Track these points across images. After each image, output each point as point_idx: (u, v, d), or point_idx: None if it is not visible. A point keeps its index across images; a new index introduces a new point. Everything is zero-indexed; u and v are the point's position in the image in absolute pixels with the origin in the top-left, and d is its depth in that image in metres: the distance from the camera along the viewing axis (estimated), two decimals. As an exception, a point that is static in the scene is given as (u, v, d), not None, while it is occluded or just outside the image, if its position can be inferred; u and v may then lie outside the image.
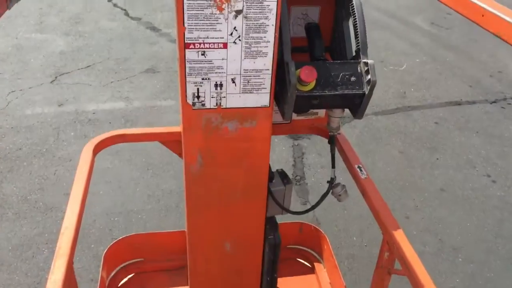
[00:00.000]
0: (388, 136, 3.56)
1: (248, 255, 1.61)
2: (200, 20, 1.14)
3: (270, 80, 1.27)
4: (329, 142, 1.49)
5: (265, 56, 1.23)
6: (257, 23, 1.18)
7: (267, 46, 1.21)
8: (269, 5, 1.15)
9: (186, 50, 1.18)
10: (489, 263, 2.56)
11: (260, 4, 1.14)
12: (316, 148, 3.37)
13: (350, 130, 3.59)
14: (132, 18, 5.15)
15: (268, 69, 1.25)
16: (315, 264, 2.10)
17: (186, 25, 1.14)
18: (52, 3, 5.39)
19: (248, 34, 1.19)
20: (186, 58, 1.19)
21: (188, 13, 1.13)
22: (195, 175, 1.38)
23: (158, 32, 4.84)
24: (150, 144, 2.10)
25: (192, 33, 1.16)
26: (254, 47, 1.21)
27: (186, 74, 1.22)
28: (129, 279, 1.97)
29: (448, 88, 4.18)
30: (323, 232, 2.09)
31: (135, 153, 3.21)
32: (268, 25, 1.18)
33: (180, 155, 1.62)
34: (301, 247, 2.16)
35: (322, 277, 2.03)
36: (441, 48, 4.82)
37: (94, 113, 3.67)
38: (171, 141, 1.63)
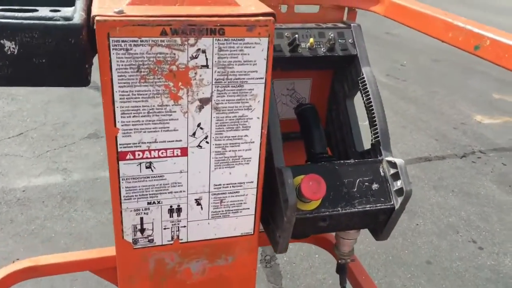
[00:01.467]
0: (362, 201, 3.16)
1: None
2: (142, 116, 0.67)
3: (255, 196, 0.80)
4: (337, 272, 1.02)
5: (247, 163, 0.77)
6: (235, 117, 0.72)
7: (250, 149, 0.75)
8: (252, 90, 0.70)
9: (121, 163, 0.70)
10: None
11: (238, 89, 0.69)
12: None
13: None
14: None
15: (251, 182, 0.78)
16: None
17: (119, 125, 0.66)
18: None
19: (221, 133, 0.73)
20: (120, 175, 0.71)
21: (122, 107, 0.66)
22: None
23: (103, 92, 4.32)
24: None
25: (130, 136, 0.68)
26: (230, 151, 0.75)
27: (122, 198, 0.73)
28: None
29: (415, 143, 3.91)
30: None
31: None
32: (251, 119, 0.73)
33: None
34: None
35: None
36: (401, 100, 4.60)
37: (24, 190, 3.04)
38: (105, 269, 1.11)
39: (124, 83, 0.65)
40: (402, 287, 2.58)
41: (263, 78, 0.71)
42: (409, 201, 2.59)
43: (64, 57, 0.62)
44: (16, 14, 0.67)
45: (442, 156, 3.80)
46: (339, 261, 0.99)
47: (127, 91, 0.66)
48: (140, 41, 0.64)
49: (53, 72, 0.63)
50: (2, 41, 0.59)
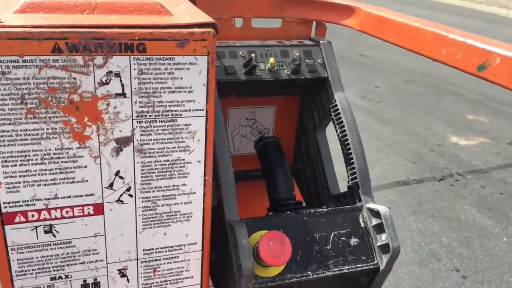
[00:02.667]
0: (340, 229, 2.98)
1: None
2: (34, 163, 0.47)
3: (199, 262, 0.60)
4: None
5: (187, 220, 0.57)
6: (166, 161, 0.53)
7: (189, 202, 0.56)
8: (188, 125, 0.51)
9: (7, 228, 0.50)
10: None
11: (170, 124, 0.50)
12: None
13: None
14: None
15: (194, 243, 0.59)
16: None
17: (0, 177, 0.46)
18: None
19: (149, 183, 0.53)
20: (8, 244, 0.50)
21: (2, 152, 0.45)
22: None
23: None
24: None
25: (18, 192, 0.48)
26: (163, 205, 0.55)
27: (13, 274, 0.52)
28: None
29: (392, 167, 3.78)
30: None
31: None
32: (189, 163, 0.54)
33: None
34: None
35: None
36: (376, 122, 4.50)
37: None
38: None
39: (3, 119, 0.46)
40: (385, 324, 2.38)
41: (203, 110, 0.52)
42: None
43: None
44: None
45: (420, 179, 3.68)
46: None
47: (8, 131, 0.46)
48: (23, 61, 0.45)
49: None
50: None
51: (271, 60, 0.73)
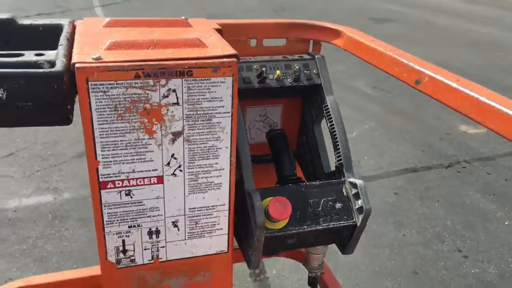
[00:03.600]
0: (349, 213, 3.24)
1: None
2: (121, 149, 0.76)
3: (227, 218, 0.88)
4: (309, 284, 1.10)
5: (218, 188, 0.85)
6: (205, 147, 0.81)
7: (220, 175, 0.84)
8: (220, 122, 0.79)
9: (102, 192, 0.78)
10: None
11: (207, 123, 0.78)
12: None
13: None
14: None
15: (223, 204, 0.87)
16: None
17: (99, 158, 0.75)
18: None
19: (193, 162, 0.81)
20: (102, 202, 0.79)
21: (101, 142, 0.74)
22: None
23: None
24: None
25: (110, 167, 0.77)
26: (202, 178, 0.83)
27: (104, 223, 0.81)
28: None
29: (401, 155, 4.00)
30: None
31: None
32: (220, 148, 0.81)
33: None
34: None
35: None
36: (388, 112, 4.71)
37: (15, 210, 3.10)
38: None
39: (103, 121, 0.74)
40: (389, 298, 2.64)
41: (229, 112, 0.80)
42: (396, 212, 2.71)
43: (47, 101, 0.70)
44: (2, 60, 0.76)
45: (428, 166, 3.89)
46: (310, 275, 1.07)
47: (105, 128, 0.74)
48: (116, 84, 0.72)
49: (38, 114, 0.72)
50: (-9, 88, 0.67)
51: (278, 72, 1.00)
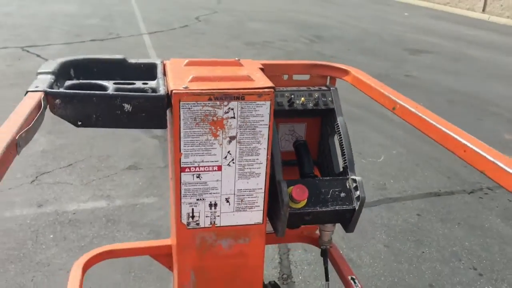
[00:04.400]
0: (373, 230, 3.59)
1: None
2: (195, 146, 1.21)
3: (263, 198, 1.31)
4: (321, 255, 1.51)
5: (258, 177, 1.29)
6: (250, 147, 1.25)
7: (259, 167, 1.28)
8: (261, 131, 1.23)
9: (182, 174, 1.23)
10: None
11: (252, 131, 1.22)
12: (302, 244, 3.36)
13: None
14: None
15: (261, 188, 1.30)
16: None
17: (182, 151, 1.20)
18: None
19: (242, 157, 1.25)
20: (181, 181, 1.24)
21: (184, 141, 1.19)
22: (189, 296, 1.37)
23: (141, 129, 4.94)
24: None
25: (188, 158, 1.22)
26: (247, 168, 1.27)
27: (182, 195, 1.25)
28: None
29: (426, 179, 4.31)
30: None
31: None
32: (260, 149, 1.25)
33: (170, 268, 1.61)
34: None
35: None
36: (416, 139, 5.03)
37: (74, 213, 3.63)
38: (162, 255, 1.63)
39: (186, 127, 1.19)
40: (405, 306, 2.96)
41: (267, 125, 1.24)
42: (417, 232, 3.30)
43: (155, 113, 1.17)
44: (126, 86, 1.23)
45: (451, 191, 4.19)
46: (321, 247, 1.48)
47: (187, 131, 1.20)
48: (196, 103, 1.18)
49: (147, 121, 1.18)
50: (124, 104, 1.14)
51: (303, 99, 1.44)
